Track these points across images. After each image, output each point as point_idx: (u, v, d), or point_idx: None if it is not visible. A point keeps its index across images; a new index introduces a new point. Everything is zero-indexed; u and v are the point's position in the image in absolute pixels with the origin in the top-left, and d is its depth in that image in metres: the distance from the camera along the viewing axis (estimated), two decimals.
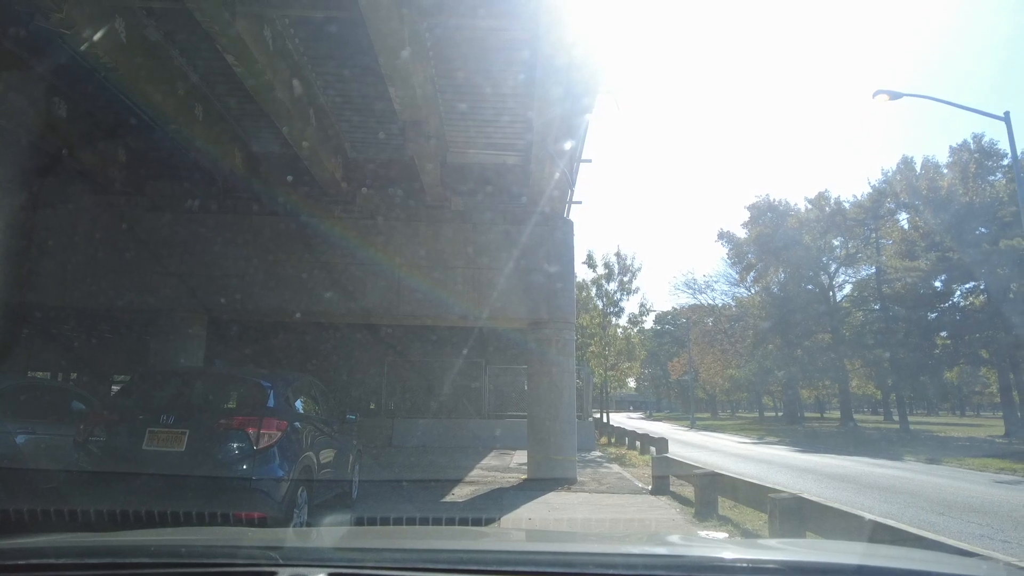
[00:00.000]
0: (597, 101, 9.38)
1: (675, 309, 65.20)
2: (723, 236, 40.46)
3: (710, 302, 50.79)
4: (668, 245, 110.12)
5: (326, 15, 7.21)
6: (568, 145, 10.31)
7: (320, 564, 1.56)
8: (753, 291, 40.05)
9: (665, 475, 10.19)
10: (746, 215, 39.16)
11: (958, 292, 27.49)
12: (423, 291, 10.98)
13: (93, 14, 6.91)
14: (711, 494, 7.68)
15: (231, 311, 10.85)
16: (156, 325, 10.72)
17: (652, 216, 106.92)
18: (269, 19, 7.36)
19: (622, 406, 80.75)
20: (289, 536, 2.72)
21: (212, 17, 6.54)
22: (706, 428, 40.01)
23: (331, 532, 3.11)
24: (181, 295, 10.64)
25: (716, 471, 8.07)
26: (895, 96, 14.58)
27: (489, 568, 1.56)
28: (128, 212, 11.05)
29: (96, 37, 7.03)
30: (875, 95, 14.55)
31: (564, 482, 10.54)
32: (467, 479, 11.24)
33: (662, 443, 14.94)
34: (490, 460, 14.91)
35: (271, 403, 5.18)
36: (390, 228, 11.27)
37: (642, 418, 61.68)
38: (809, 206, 35.19)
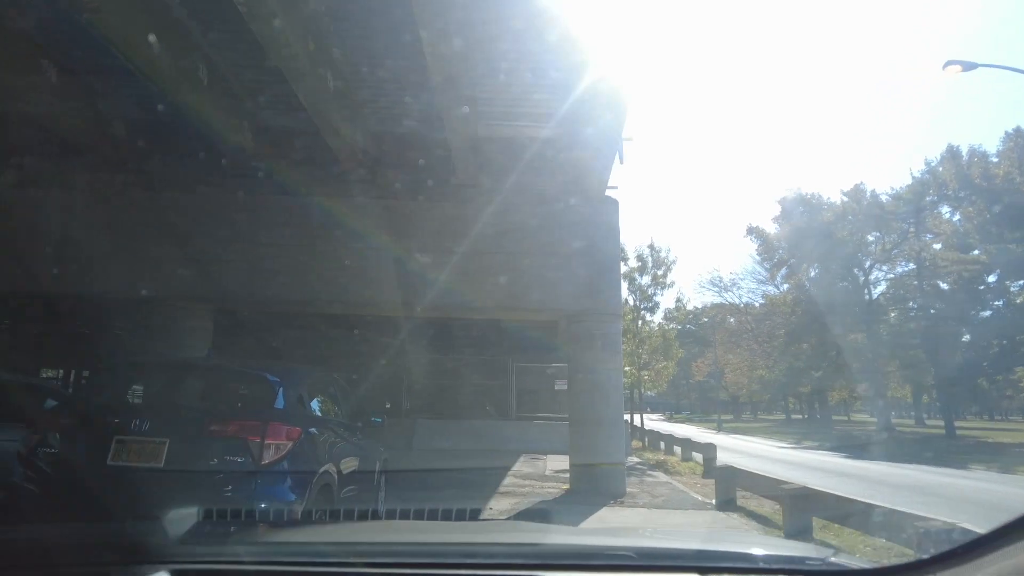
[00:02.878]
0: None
1: (696, 308, 63.74)
2: (752, 231, 38.91)
3: (735, 301, 49.25)
4: (690, 241, 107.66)
5: None
6: (611, 116, 9.11)
7: (162, 562, 1.48)
8: (784, 288, 38.45)
9: (731, 488, 8.95)
10: (776, 209, 37.64)
11: (1013, 288, 25.75)
12: (449, 280, 9.80)
13: None
14: (804, 516, 6.40)
15: (238, 301, 9.73)
16: (156, 317, 9.63)
17: (675, 211, 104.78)
18: None
19: (640, 408, 78.90)
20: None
21: None
22: (734, 431, 38.53)
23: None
24: (184, 283, 9.54)
25: (808, 487, 6.79)
26: (969, 67, 13.21)
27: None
28: (125, 192, 9.97)
29: None
30: (945, 66, 13.20)
31: (612, 495, 9.32)
32: (502, 489, 10.04)
33: (709, 449, 13.62)
34: (522, 467, 13.70)
35: (279, 404, 3.94)
36: (413, 210, 10.10)
37: (663, 420, 60.13)
38: (845, 199, 33.56)
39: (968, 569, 1.12)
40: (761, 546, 1.98)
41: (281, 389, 3.96)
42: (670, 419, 66.52)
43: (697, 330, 63.93)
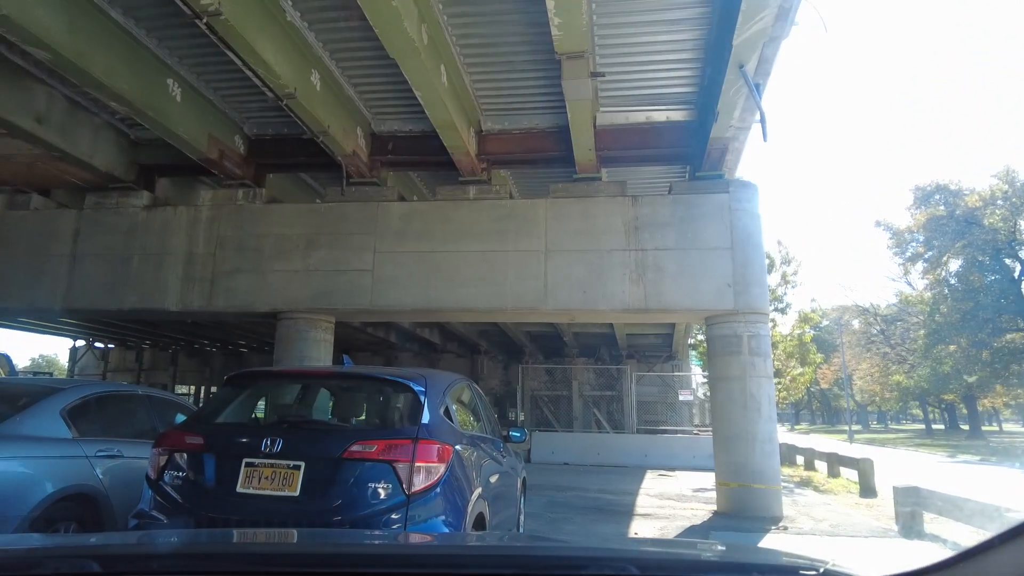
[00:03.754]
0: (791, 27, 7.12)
1: (815, 312, 59.51)
2: (881, 224, 35.60)
3: (859, 301, 45.39)
4: (811, 239, 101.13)
5: None
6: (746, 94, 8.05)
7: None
8: (924, 284, 34.83)
9: (916, 511, 7.59)
10: (908, 198, 34.25)
11: None
12: (573, 280, 9.07)
13: None
14: None
15: (358, 311, 9.44)
16: (279, 329, 9.51)
17: (794, 207, 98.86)
18: None
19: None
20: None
21: None
22: (868, 442, 35.16)
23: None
24: (305, 295, 9.39)
25: None
26: None
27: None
28: (246, 207, 9.98)
29: None
30: None
31: (769, 520, 8.19)
32: (640, 510, 9.13)
33: (865, 464, 12.03)
34: (652, 483, 12.67)
35: (427, 418, 3.20)
36: (532, 209, 9.46)
37: (786, 431, 56.32)
38: (995, 180, 29.92)
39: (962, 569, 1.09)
40: (759, 556, 1.90)
41: (427, 399, 3.32)
42: (791, 430, 62.37)
43: (818, 333, 59.72)
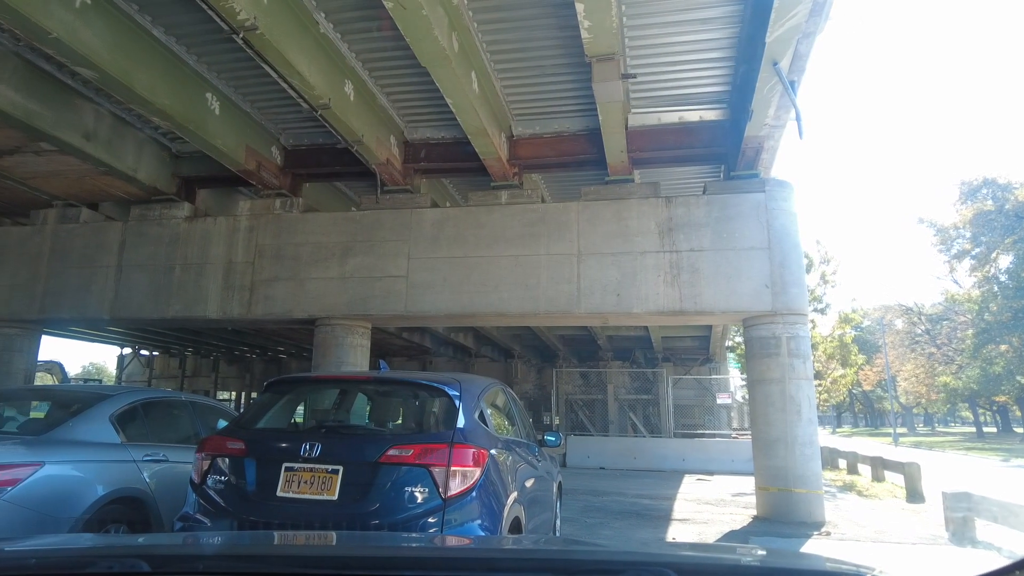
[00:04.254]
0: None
1: (856, 312, 58.09)
2: (925, 221, 34.57)
3: (902, 302, 44.08)
4: (850, 238, 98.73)
5: None
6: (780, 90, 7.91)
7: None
8: (972, 282, 33.68)
9: (968, 517, 7.34)
10: (953, 194, 33.21)
11: None
12: (607, 283, 9.03)
13: None
14: None
15: (394, 316, 9.54)
16: (316, 336, 9.67)
17: (832, 206, 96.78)
18: None
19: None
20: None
21: None
22: (915, 446, 34.08)
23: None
24: (341, 302, 9.53)
25: None
26: None
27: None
28: (283, 216, 10.19)
29: None
30: None
31: (811, 525, 8.01)
32: (676, 515, 9.02)
33: (913, 469, 11.67)
34: (689, 488, 12.51)
35: (462, 422, 3.24)
36: (564, 213, 9.45)
37: (828, 434, 54.99)
38: None
39: None
40: (801, 561, 1.85)
41: (462, 404, 3.35)
42: (833, 433, 60.87)
43: (860, 334, 58.19)
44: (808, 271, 19.75)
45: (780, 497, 8.42)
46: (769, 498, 8.56)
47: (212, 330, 19.97)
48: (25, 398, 5.29)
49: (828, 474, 16.37)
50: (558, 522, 5.87)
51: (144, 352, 29.72)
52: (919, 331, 43.87)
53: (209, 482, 3.26)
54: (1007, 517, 6.79)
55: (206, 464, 3.31)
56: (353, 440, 3.35)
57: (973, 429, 49.35)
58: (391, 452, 3.08)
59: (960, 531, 7.24)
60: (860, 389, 58.44)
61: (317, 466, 3.11)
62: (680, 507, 9.83)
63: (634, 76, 7.89)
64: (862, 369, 52.11)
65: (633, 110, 9.19)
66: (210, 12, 6.35)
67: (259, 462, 3.24)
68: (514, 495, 3.59)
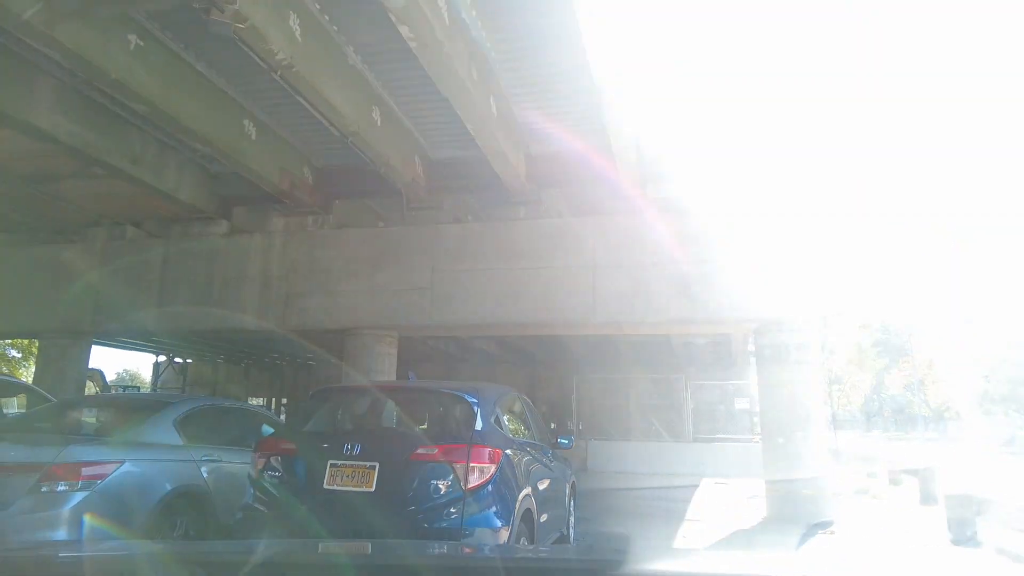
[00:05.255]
0: None
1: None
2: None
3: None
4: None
5: None
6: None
7: None
8: None
9: (969, 519, 7.63)
10: None
11: None
12: (621, 294, 9.48)
13: (265, 8, 6.40)
14: None
15: (419, 326, 10.11)
16: (347, 345, 10.27)
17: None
18: None
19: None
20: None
21: None
22: (946, 449, 33.68)
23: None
24: (370, 313, 10.12)
25: None
26: None
27: None
28: (316, 234, 10.83)
29: (269, 32, 6.52)
30: None
31: (818, 525, 8.34)
32: (691, 515, 9.42)
33: (927, 472, 11.85)
34: (705, 491, 12.86)
35: (479, 425, 3.86)
36: (580, 227, 9.94)
37: (856, 438, 54.36)
38: None
39: None
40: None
41: (480, 409, 3.89)
42: (863, 437, 60.09)
43: (888, 338, 57.52)
44: None
45: (788, 498, 8.78)
46: (778, 499, 8.92)
47: (244, 339, 20.81)
48: (99, 405, 5.94)
49: (846, 478, 16.55)
50: (571, 519, 6.34)
51: (178, 360, 30.81)
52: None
53: (265, 477, 3.83)
54: (1006, 518, 7.10)
55: (262, 462, 3.88)
56: (387, 440, 3.90)
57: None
58: (419, 451, 3.61)
59: (960, 531, 7.53)
60: (889, 393, 57.71)
61: (357, 463, 3.65)
62: (694, 508, 10.22)
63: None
64: (890, 372, 51.64)
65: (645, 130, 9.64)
66: (250, 52, 6.97)
67: (308, 459, 3.80)
68: (527, 490, 4.10)
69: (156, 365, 31.67)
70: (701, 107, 8.92)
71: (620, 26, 6.64)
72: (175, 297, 11.13)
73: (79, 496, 3.93)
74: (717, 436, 17.97)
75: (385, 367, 10.15)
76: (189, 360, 30.73)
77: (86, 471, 4.00)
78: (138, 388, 32.39)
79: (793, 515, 8.67)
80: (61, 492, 3.91)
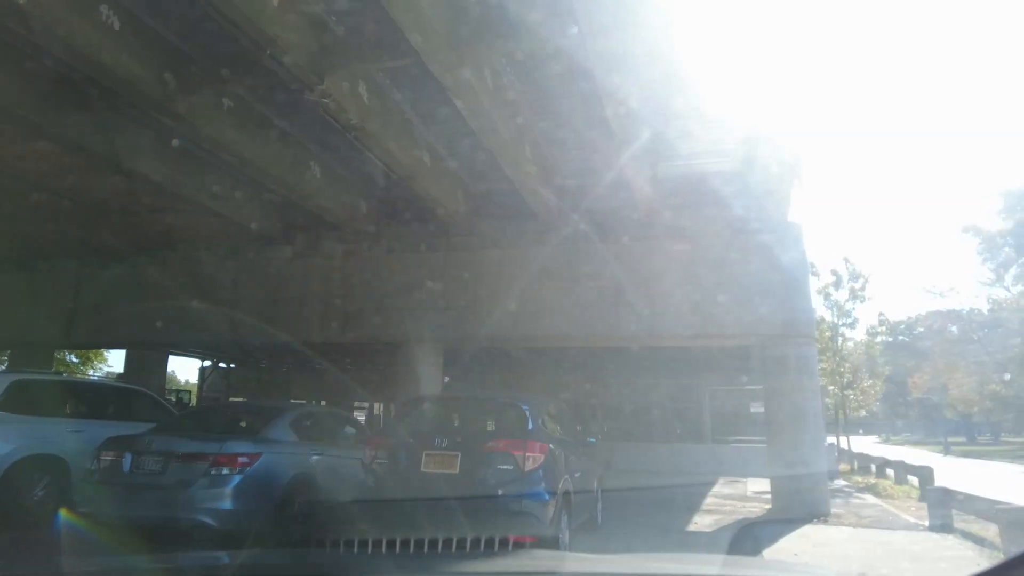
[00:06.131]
0: None
1: (910, 318, 57.57)
2: (970, 229, 34.84)
3: (955, 307, 43.80)
4: (892, 247, 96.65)
5: (546, 49, 7.38)
6: (785, 146, 9.55)
7: None
8: (1017, 291, 33.79)
9: (945, 510, 8.76)
10: (997, 203, 33.44)
11: None
12: (640, 311, 10.72)
13: (343, 82, 7.81)
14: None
15: (463, 340, 11.48)
16: (399, 356, 11.67)
17: (872, 214, 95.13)
18: (487, 61, 7.78)
19: (849, 429, 71.66)
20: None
21: (444, 65, 7.04)
22: (967, 455, 34.22)
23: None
24: (420, 328, 11.49)
25: None
26: None
27: None
28: (369, 257, 12.25)
29: (346, 102, 7.94)
30: None
31: (815, 515, 9.52)
32: (704, 507, 10.65)
33: (925, 472, 12.92)
34: (721, 488, 14.05)
35: (530, 426, 5.28)
36: (605, 249, 11.21)
37: (877, 442, 54.69)
38: None
39: None
40: (786, 573, 2.21)
41: (530, 414, 5.26)
42: (886, 441, 60.24)
43: (911, 341, 57.55)
44: (837, 288, 20.94)
45: (789, 493, 9.95)
46: (781, 494, 10.09)
47: (290, 348, 22.38)
48: (231, 409, 7.40)
49: (857, 478, 17.57)
50: (600, 505, 7.65)
51: (222, 365, 32.58)
52: (972, 338, 43.51)
53: (375, 464, 5.22)
54: (974, 507, 8.22)
55: (372, 453, 5.27)
56: (467, 436, 5.27)
57: None
58: (489, 444, 4.99)
59: (937, 520, 8.65)
60: (912, 396, 57.73)
61: (445, 452, 5.03)
62: (708, 502, 11.43)
63: (652, 150, 9.62)
64: (912, 377, 51.74)
65: (663, 163, 10.89)
66: (328, 118, 8.39)
67: (408, 450, 5.18)
68: (565, 476, 5.44)
69: (202, 370, 33.51)
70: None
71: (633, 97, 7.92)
72: (247, 312, 12.62)
73: (237, 478, 5.37)
74: (734, 438, 19.08)
75: (433, 374, 11.53)
76: (233, 365, 32.50)
77: (241, 460, 5.43)
78: (189, 394, 34.38)
79: (794, 508, 9.82)
80: (225, 475, 5.35)
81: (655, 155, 10.38)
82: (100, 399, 8.23)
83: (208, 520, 5.16)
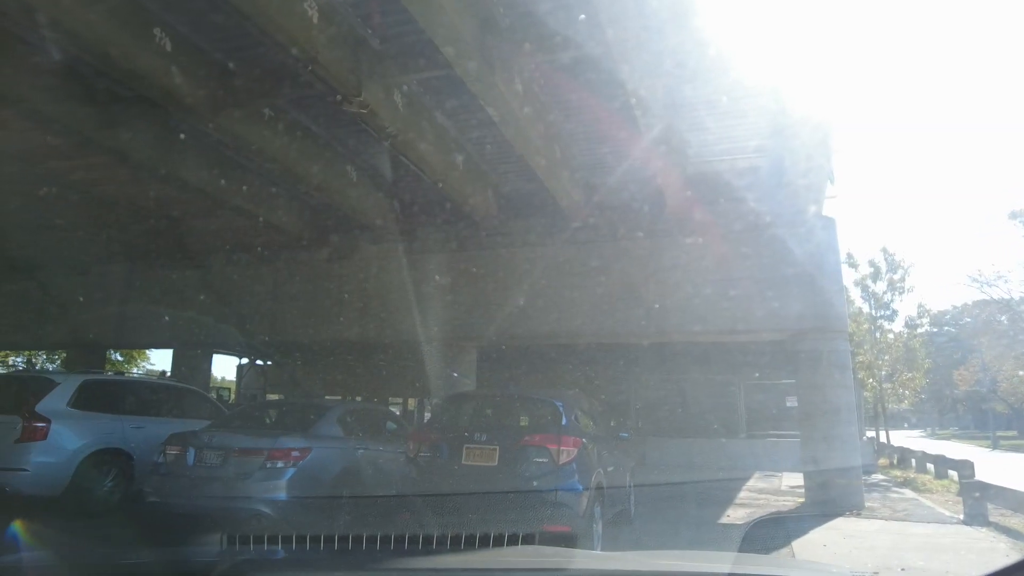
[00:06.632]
0: None
1: (955, 308, 56.02)
2: (1018, 216, 33.69)
3: (1004, 296, 42.51)
4: (936, 233, 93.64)
5: (573, 55, 7.57)
6: (817, 142, 9.58)
7: None
8: None
9: (981, 503, 8.74)
10: None
11: None
12: (670, 308, 10.83)
13: (380, 92, 8.13)
14: None
15: (495, 338, 11.75)
16: (433, 353, 12.01)
17: (913, 203, 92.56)
18: (519, 69, 8.01)
19: (894, 423, 69.96)
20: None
21: (476, 76, 7.29)
22: (1017, 449, 33.28)
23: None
24: (453, 327, 11.80)
25: None
26: None
27: None
28: (404, 257, 12.59)
29: (383, 112, 8.26)
30: None
31: (848, 508, 9.56)
32: (737, 501, 10.76)
33: (965, 466, 12.76)
34: (755, 482, 14.10)
35: (564, 422, 5.54)
36: (633, 247, 11.36)
37: (922, 436, 53.50)
38: None
39: None
40: (798, 571, 2.15)
41: (563, 410, 5.52)
42: (932, 435, 58.81)
43: (958, 332, 56.06)
44: (875, 280, 20.60)
45: (823, 487, 9.98)
46: (814, 488, 10.14)
47: (327, 346, 22.98)
48: (281, 407, 7.81)
49: (896, 472, 17.40)
50: (632, 498, 7.85)
51: (259, 362, 33.49)
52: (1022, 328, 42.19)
53: (418, 457, 5.53)
54: (1009, 500, 8.20)
55: (414, 446, 5.58)
56: (504, 430, 5.55)
57: None
58: (526, 438, 5.26)
59: (973, 514, 8.64)
60: (959, 389, 56.26)
61: (485, 446, 5.32)
62: (742, 495, 11.52)
63: (681, 150, 9.72)
64: (958, 370, 50.44)
65: (688, 161, 10.99)
66: (367, 127, 8.72)
67: (449, 444, 5.48)
68: (598, 469, 5.68)
69: (240, 367, 34.52)
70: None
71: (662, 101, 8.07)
72: (286, 313, 13.11)
73: (291, 471, 5.76)
74: (769, 433, 19.02)
75: (467, 371, 11.83)
76: (268, 363, 33.38)
77: (294, 454, 5.82)
78: (228, 391, 35.43)
79: (827, 501, 9.86)
80: (280, 468, 5.75)
81: (682, 154, 10.49)
82: (158, 398, 8.76)
83: (265, 509, 5.57)
